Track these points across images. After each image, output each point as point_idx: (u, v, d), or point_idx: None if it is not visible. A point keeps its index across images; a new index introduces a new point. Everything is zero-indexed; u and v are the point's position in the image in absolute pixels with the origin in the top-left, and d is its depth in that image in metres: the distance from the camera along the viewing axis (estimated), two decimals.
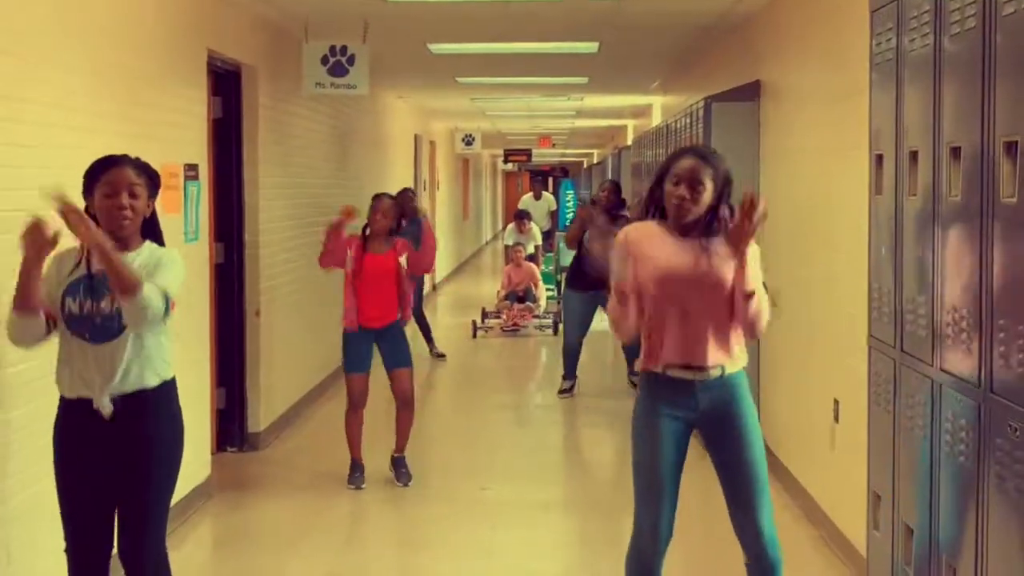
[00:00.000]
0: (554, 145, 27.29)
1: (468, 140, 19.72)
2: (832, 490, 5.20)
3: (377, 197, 6.53)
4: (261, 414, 7.35)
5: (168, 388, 3.51)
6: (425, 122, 17.08)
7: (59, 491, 3.49)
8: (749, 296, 3.45)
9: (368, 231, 6.40)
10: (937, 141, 3.31)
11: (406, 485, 6.35)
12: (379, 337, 6.34)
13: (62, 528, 3.52)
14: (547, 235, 17.06)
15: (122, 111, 5.05)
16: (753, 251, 3.49)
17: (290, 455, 7.27)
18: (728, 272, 3.50)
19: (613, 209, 9.11)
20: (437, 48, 9.18)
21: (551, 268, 15.05)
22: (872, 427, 4.02)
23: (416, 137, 15.83)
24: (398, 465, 6.44)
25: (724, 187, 3.57)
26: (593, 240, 8.88)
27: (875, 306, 3.96)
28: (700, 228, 3.56)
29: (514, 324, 12.75)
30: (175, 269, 3.48)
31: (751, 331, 3.53)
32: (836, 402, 5.02)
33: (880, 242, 3.92)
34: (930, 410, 3.37)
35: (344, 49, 7.54)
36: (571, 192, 40.27)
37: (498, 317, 13.01)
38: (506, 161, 29.07)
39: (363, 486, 6.31)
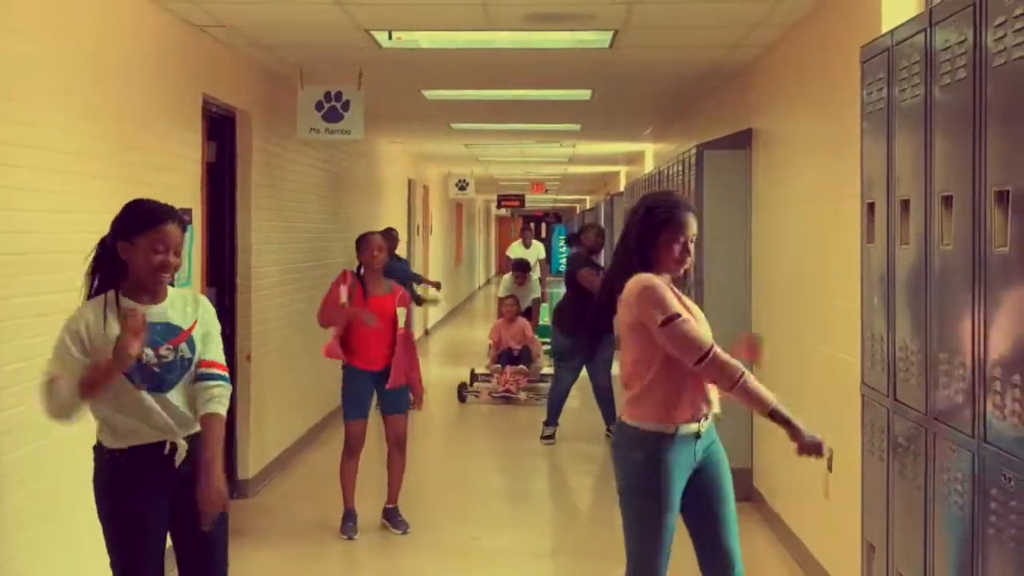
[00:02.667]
0: (547, 191, 27.40)
1: (462, 185, 19.79)
2: (826, 540, 5.17)
3: (365, 235, 6.52)
4: (251, 460, 7.30)
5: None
6: (419, 167, 17.14)
7: (117, 541, 3.41)
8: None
9: (363, 271, 6.37)
10: (929, 190, 3.33)
11: (405, 533, 6.28)
12: (378, 380, 6.30)
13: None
14: (528, 313, 15.99)
15: (117, 154, 5.06)
16: None
17: (280, 502, 7.21)
18: None
19: (594, 252, 9.17)
20: (431, 94, 9.23)
21: (548, 320, 14.02)
22: (865, 476, 4.00)
23: (410, 182, 15.88)
24: (392, 516, 6.37)
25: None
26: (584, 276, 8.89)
27: (868, 354, 3.95)
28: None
29: (506, 390, 11.13)
30: (218, 332, 3.59)
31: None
32: (830, 450, 5.00)
33: (872, 290, 3.92)
34: (924, 459, 3.36)
35: (339, 95, 7.57)
36: (563, 237, 40.38)
37: (488, 380, 11.50)
38: (499, 206, 29.16)
39: (355, 536, 6.25)
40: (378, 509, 6.46)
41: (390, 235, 10.38)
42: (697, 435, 3.60)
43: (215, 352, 3.54)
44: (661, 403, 3.57)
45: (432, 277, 15.89)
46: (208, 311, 3.59)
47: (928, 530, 3.33)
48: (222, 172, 7.07)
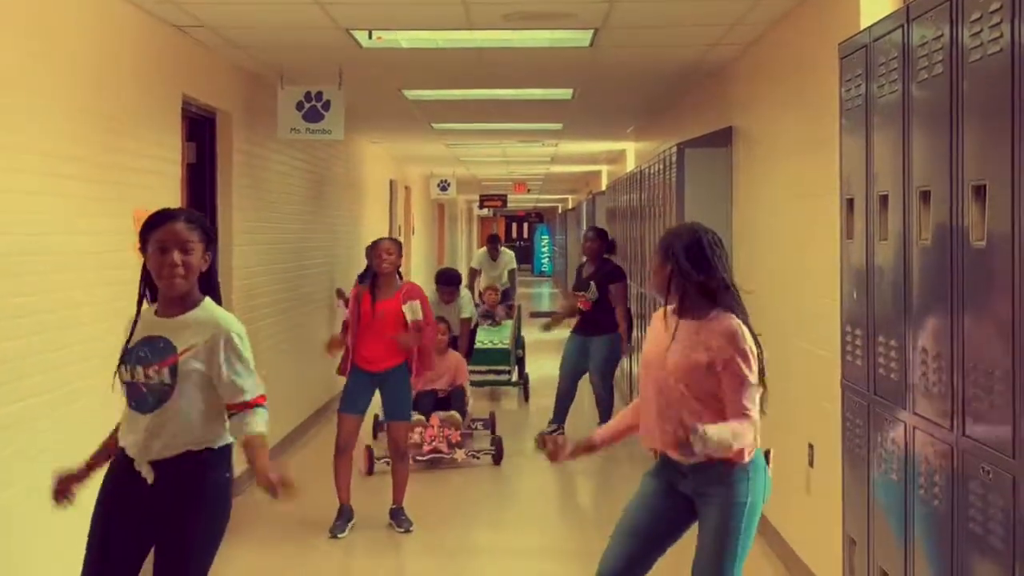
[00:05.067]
0: (529, 191, 27.41)
1: (443, 185, 19.79)
2: (808, 535, 5.19)
3: (376, 241, 6.54)
4: (236, 459, 7.26)
5: (210, 456, 3.38)
6: (400, 167, 17.13)
7: (90, 531, 3.43)
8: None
9: (375, 277, 6.35)
10: (907, 185, 3.34)
11: (407, 531, 6.27)
12: (381, 382, 6.29)
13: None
14: (505, 295, 13.59)
15: (96, 156, 5.04)
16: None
17: (267, 502, 7.15)
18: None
19: (601, 254, 9.08)
20: (412, 94, 9.22)
21: (506, 341, 11.06)
22: (846, 471, 4.01)
23: (391, 182, 15.87)
24: (396, 515, 6.36)
25: (664, 255, 3.60)
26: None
27: (848, 350, 3.97)
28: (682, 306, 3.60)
29: (432, 450, 7.83)
30: (235, 360, 3.33)
31: None
32: (811, 446, 5.02)
33: (852, 286, 3.94)
34: (903, 454, 3.38)
35: (319, 95, 7.56)
36: (546, 237, 40.40)
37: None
38: (481, 206, 29.17)
39: (341, 535, 6.22)
40: (368, 507, 6.42)
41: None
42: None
43: (240, 390, 3.33)
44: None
45: (414, 279, 15.88)
46: (224, 337, 3.32)
47: (908, 525, 3.34)
48: (202, 173, 7.04)
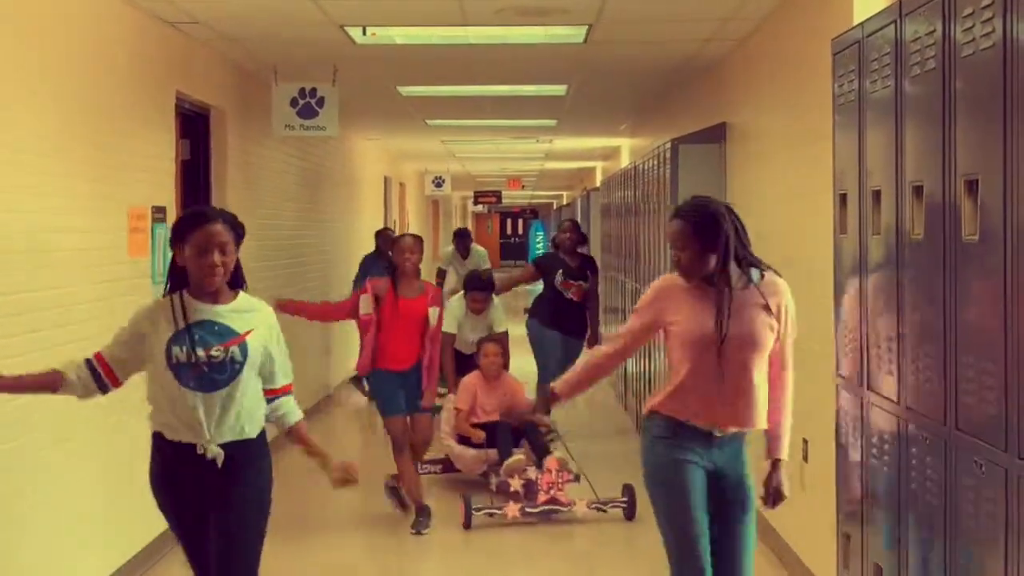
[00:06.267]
0: (524, 187, 27.42)
1: (438, 182, 19.78)
2: (802, 530, 5.20)
3: (399, 237, 6.52)
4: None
5: (263, 437, 3.63)
6: (395, 164, 17.12)
7: (180, 533, 3.59)
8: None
9: (396, 273, 6.30)
10: (900, 180, 3.35)
11: (419, 533, 6.19)
12: (405, 378, 6.28)
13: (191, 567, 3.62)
14: None
15: (90, 153, 5.04)
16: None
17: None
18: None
19: (577, 247, 9.16)
20: (406, 91, 9.22)
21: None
22: (840, 466, 4.02)
23: (386, 179, 15.86)
24: (419, 513, 6.29)
25: (715, 230, 3.55)
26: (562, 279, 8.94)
27: (841, 345, 3.98)
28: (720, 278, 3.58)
29: (550, 500, 6.38)
30: (280, 348, 3.64)
31: None
32: (805, 441, 5.03)
33: (845, 281, 3.95)
34: (896, 448, 3.39)
35: (313, 91, 7.56)
36: (541, 233, 40.45)
37: (505, 492, 6.52)
38: (476, 203, 29.17)
39: (425, 531, 6.17)
40: (366, 500, 6.42)
41: (385, 236, 10.26)
42: None
43: (278, 374, 3.64)
44: None
45: None
46: (268, 323, 3.62)
47: (903, 519, 3.35)
48: (196, 170, 7.04)
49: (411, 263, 6.25)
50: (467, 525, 6.23)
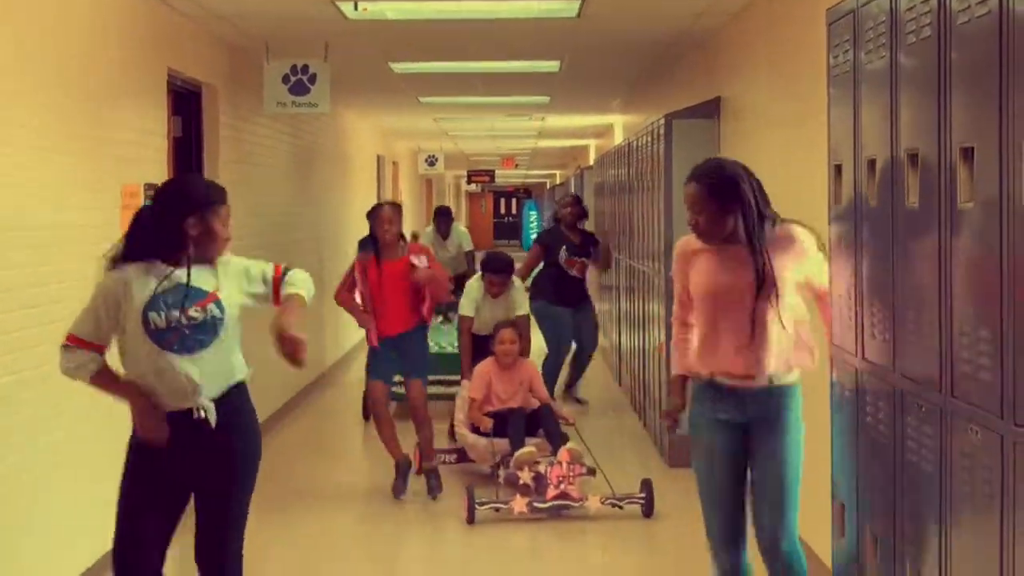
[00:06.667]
0: (517, 166, 27.39)
1: (431, 161, 19.74)
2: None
3: (376, 207, 6.58)
4: None
5: (245, 388, 3.69)
6: (388, 143, 17.08)
7: (126, 497, 3.55)
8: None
9: (378, 245, 6.40)
10: (895, 148, 3.35)
11: (434, 498, 6.28)
12: (398, 345, 6.36)
13: (115, 536, 3.56)
14: (459, 282, 9.75)
15: (82, 129, 5.02)
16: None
17: (267, 472, 7.20)
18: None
19: (578, 222, 9.25)
20: (399, 67, 9.19)
21: (457, 344, 8.04)
22: (835, 436, 4.03)
23: (379, 157, 15.83)
24: (429, 477, 6.36)
25: (733, 192, 3.64)
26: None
27: (836, 315, 3.98)
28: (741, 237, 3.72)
29: (560, 495, 6.03)
30: (253, 263, 3.81)
31: None
32: None
33: (839, 252, 3.95)
34: (891, 416, 3.39)
35: (305, 68, 7.54)
36: (534, 212, 40.43)
37: (515, 486, 6.28)
38: (469, 182, 29.12)
39: (402, 496, 6.24)
40: (365, 478, 6.46)
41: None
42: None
43: (266, 271, 3.75)
44: None
45: None
46: (234, 272, 3.72)
47: (898, 487, 3.36)
48: (188, 147, 7.02)
49: (391, 234, 6.34)
50: (470, 520, 5.90)
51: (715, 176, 3.64)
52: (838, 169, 3.93)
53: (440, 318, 9.56)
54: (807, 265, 3.85)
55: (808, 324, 3.91)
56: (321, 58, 7.52)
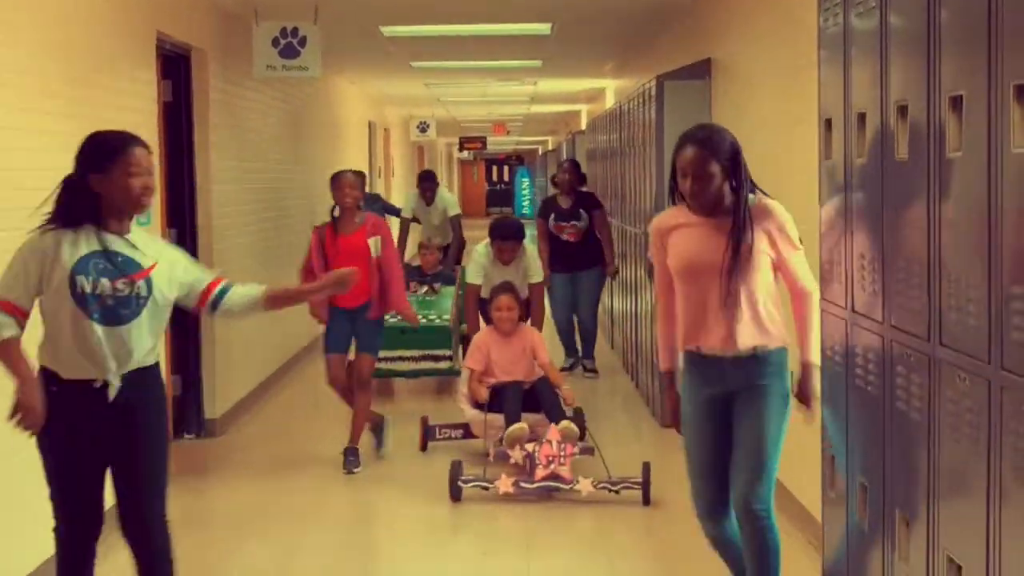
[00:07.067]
0: (509, 132, 27.31)
1: (423, 127, 19.69)
2: (786, 453, 5.24)
3: (338, 174, 6.52)
4: (217, 401, 7.31)
5: (157, 371, 3.58)
6: (379, 109, 17.03)
7: (53, 469, 3.46)
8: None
9: (336, 211, 6.36)
10: (884, 101, 3.35)
11: (349, 472, 6.21)
12: (354, 318, 6.32)
13: (53, 508, 3.49)
14: (445, 253, 10.14)
15: (71, 93, 5.00)
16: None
17: (248, 441, 7.25)
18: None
19: (577, 186, 9.23)
20: (389, 31, 9.15)
21: (445, 316, 8.19)
22: (825, 387, 4.06)
23: (370, 124, 15.78)
24: (348, 454, 6.29)
25: (735, 160, 3.62)
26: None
27: (826, 268, 4.00)
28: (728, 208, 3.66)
29: (550, 476, 5.66)
30: (189, 259, 3.66)
31: None
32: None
33: (830, 205, 3.96)
34: (881, 367, 3.42)
35: (295, 31, 7.51)
36: (527, 180, 40.29)
37: (504, 462, 5.87)
38: (461, 149, 29.05)
39: (356, 470, 6.24)
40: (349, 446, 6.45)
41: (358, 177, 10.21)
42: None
43: (203, 277, 3.62)
44: None
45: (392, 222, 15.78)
46: (169, 250, 3.63)
47: (887, 438, 3.39)
48: (178, 111, 7.00)
49: (351, 199, 6.31)
50: (455, 498, 5.64)
51: (719, 142, 3.55)
52: (828, 123, 3.94)
53: (425, 288, 9.04)
54: (779, 241, 3.66)
55: (779, 297, 3.83)
56: (311, 21, 7.49)
